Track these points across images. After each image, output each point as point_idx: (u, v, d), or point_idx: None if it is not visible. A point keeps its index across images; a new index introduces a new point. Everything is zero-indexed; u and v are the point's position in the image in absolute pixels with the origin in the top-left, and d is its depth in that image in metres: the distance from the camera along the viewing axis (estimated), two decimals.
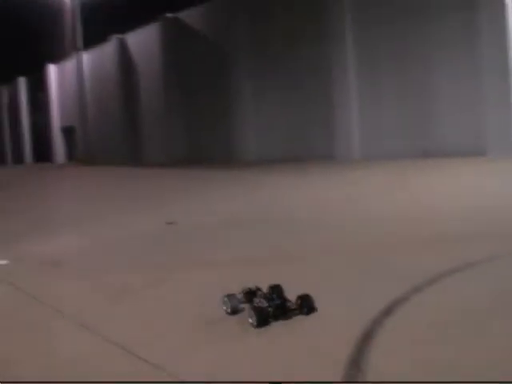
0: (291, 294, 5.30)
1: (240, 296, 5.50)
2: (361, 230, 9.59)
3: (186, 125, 35.03)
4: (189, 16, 35.01)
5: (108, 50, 42.42)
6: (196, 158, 33.06)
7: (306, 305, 5.23)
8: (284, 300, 5.27)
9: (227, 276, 7.16)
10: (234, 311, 5.41)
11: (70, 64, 46.36)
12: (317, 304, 5.25)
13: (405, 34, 23.97)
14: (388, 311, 5.14)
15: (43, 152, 55.81)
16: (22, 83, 59.34)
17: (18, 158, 60.64)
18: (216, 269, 7.69)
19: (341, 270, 7.03)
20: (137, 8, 53.22)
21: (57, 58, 51.20)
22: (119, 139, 40.90)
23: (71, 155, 48.76)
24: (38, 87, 55.93)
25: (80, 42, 42.41)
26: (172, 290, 6.86)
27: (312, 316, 5.16)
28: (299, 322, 5.07)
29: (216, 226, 11.09)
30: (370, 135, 25.28)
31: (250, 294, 5.47)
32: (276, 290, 5.39)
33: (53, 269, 8.66)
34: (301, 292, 5.31)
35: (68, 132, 50.36)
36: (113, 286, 7.27)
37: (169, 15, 36.28)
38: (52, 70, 53.07)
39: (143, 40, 39.13)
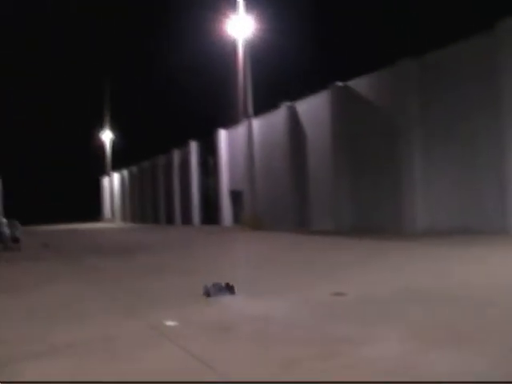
0: None
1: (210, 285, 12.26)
2: None
3: (353, 193, 34.88)
4: (359, 85, 35.15)
5: (278, 116, 43.23)
6: (363, 227, 32.77)
7: (230, 288, 12.04)
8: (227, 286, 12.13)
9: (397, 353, 6.93)
10: (207, 294, 11.94)
11: (240, 129, 47.60)
12: None
13: None
14: None
15: (210, 214, 57.28)
16: (194, 146, 61.45)
17: (186, 219, 62.48)
18: (388, 345, 7.47)
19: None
20: (307, 75, 54.42)
21: (228, 123, 52.82)
22: (286, 205, 41.27)
23: (238, 219, 49.67)
24: (209, 151, 57.76)
25: (250, 108, 43.55)
26: (338, 365, 6.70)
27: None
28: None
29: (389, 300, 10.80)
30: None
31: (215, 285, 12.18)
32: (228, 285, 12.16)
33: (222, 333, 8.71)
34: None
35: (236, 196, 51.47)
36: (282, 355, 7.20)
37: (339, 83, 36.59)
38: (223, 135, 54.68)
39: (313, 108, 39.61)
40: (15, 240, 32.32)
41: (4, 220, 34.05)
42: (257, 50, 44.91)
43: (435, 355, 6.87)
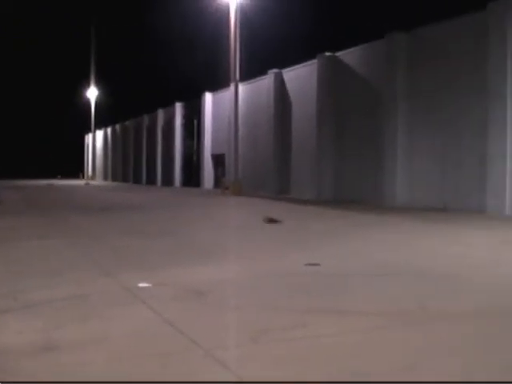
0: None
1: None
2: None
3: (336, 164, 34.92)
4: (347, 56, 35.09)
5: (264, 83, 43.13)
6: (343, 198, 32.83)
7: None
8: None
9: (367, 329, 7.00)
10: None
11: (226, 93, 47.39)
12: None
13: None
14: None
15: (192, 176, 57.27)
16: (179, 108, 61.22)
17: (168, 180, 62.45)
18: (354, 319, 7.54)
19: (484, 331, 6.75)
20: (295, 44, 54.23)
21: (214, 87, 52.66)
22: (268, 172, 41.33)
23: (218, 183, 49.66)
24: (194, 113, 57.56)
25: (238, 73, 43.27)
26: (309, 336, 6.76)
27: None
28: None
29: (360, 273, 10.88)
30: None
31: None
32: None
33: (194, 298, 8.75)
34: None
35: (218, 159, 51.47)
36: (251, 324, 7.24)
37: (327, 53, 36.46)
38: (208, 98, 54.49)
39: (300, 76, 39.53)
40: None
41: None
42: (248, 15, 44.52)
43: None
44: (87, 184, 69.47)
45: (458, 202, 26.41)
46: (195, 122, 57.34)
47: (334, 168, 35.08)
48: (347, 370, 5.59)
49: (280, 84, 41.47)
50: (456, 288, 9.56)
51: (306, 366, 5.70)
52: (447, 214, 24.35)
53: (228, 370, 5.57)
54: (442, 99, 28.14)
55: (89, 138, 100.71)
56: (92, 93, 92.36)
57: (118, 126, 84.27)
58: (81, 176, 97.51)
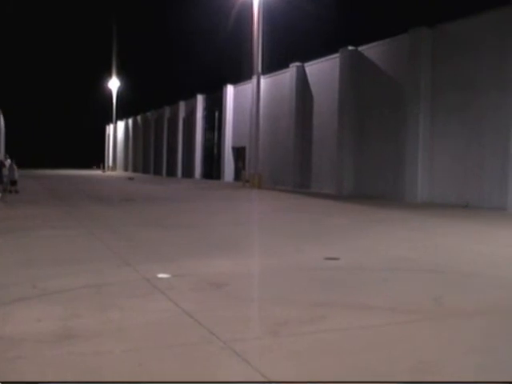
0: None
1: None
2: None
3: (356, 159, 34.76)
4: (370, 50, 34.88)
5: (286, 76, 43.01)
6: (363, 194, 32.73)
7: None
8: None
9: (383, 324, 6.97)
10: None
11: (248, 86, 47.37)
12: None
13: None
14: None
15: (212, 169, 57.27)
16: (200, 100, 61.15)
17: (188, 172, 62.49)
18: (370, 314, 7.51)
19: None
20: (318, 38, 54.01)
21: (236, 80, 52.62)
22: (288, 165, 41.25)
23: (239, 175, 49.65)
24: (215, 106, 57.52)
25: (260, 66, 43.20)
26: (326, 329, 6.74)
27: None
28: None
29: (379, 268, 10.83)
30: None
31: None
32: None
33: (213, 290, 8.74)
34: None
35: (238, 152, 51.42)
36: (270, 317, 7.23)
37: (349, 48, 36.29)
38: (230, 91, 54.40)
39: (322, 70, 39.36)
40: (13, 183, 31.95)
41: (8, 161, 33.78)
42: (271, 9, 44.41)
43: None
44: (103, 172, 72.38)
45: (479, 200, 26.19)
46: (216, 114, 57.34)
47: (355, 163, 34.91)
48: (358, 365, 5.58)
49: (302, 77, 41.33)
50: (472, 285, 9.52)
51: (322, 360, 5.69)
52: (469, 211, 24.14)
53: (246, 362, 5.56)
54: (465, 96, 27.85)
55: (110, 128, 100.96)
56: (114, 84, 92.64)
57: (139, 118, 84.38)
58: (101, 167, 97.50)
